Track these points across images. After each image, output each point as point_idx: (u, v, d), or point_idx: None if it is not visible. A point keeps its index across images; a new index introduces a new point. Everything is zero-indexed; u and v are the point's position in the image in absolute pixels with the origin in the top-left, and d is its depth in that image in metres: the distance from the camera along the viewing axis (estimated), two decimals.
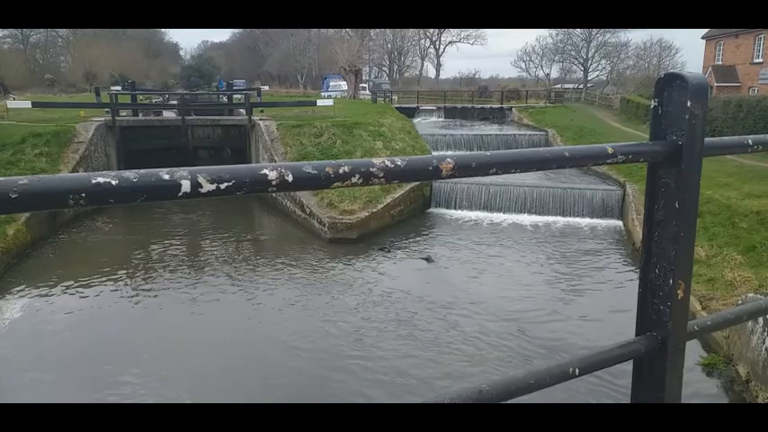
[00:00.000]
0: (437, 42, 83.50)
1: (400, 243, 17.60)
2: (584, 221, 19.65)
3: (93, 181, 0.74)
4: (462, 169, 1.00)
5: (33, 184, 0.71)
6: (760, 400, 8.62)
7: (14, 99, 29.36)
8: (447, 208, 21.22)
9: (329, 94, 44.80)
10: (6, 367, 10.24)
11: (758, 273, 11.55)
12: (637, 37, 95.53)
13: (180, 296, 13.60)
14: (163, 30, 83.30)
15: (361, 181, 0.91)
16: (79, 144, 21.19)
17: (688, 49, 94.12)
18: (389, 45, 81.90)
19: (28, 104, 25.50)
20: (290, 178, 0.85)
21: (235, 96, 32.15)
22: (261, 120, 24.26)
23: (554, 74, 71.22)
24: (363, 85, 51.72)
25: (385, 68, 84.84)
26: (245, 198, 19.31)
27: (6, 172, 18.12)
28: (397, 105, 41.77)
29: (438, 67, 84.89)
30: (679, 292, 1.25)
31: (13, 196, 0.69)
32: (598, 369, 1.25)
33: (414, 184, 19.23)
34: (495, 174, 1.05)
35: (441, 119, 43.77)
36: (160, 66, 76.23)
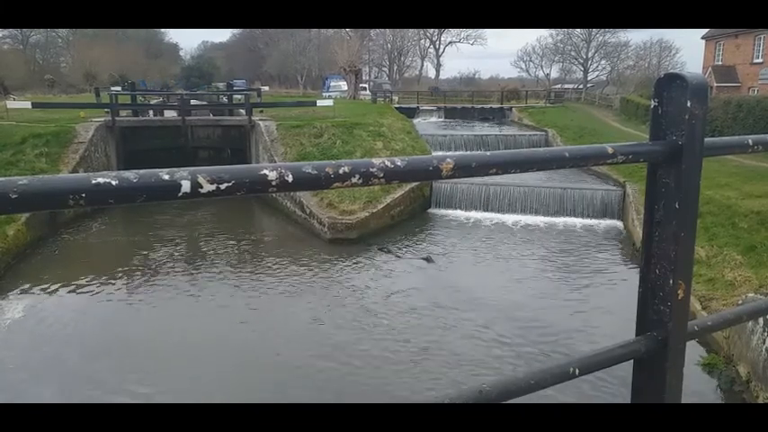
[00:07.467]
0: (437, 42, 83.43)
1: (400, 243, 17.60)
2: (584, 222, 19.63)
3: (93, 181, 0.74)
4: (462, 169, 1.00)
5: (33, 184, 0.71)
6: (760, 401, 8.62)
7: (14, 99, 29.36)
8: (447, 208, 21.21)
9: (329, 94, 44.78)
10: (6, 367, 10.24)
11: (758, 273, 11.54)
12: (637, 37, 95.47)
13: (180, 296, 13.60)
14: (163, 30, 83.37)
15: (361, 181, 0.91)
16: (79, 144, 21.17)
17: (688, 49, 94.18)
18: (389, 45, 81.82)
19: (28, 105, 25.49)
20: (289, 179, 0.85)
21: (235, 96, 32.14)
22: (261, 120, 24.25)
23: (554, 74, 71.28)
24: (363, 85, 51.72)
25: (385, 68, 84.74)
26: (245, 198, 19.31)
27: (6, 172, 18.10)
28: (397, 105, 41.78)
29: (438, 67, 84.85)
30: (679, 292, 1.25)
31: (13, 196, 0.69)
32: (598, 369, 1.25)
33: (414, 184, 19.22)
34: (495, 174, 1.05)
35: (441, 119, 43.79)
36: (160, 66, 76.11)
